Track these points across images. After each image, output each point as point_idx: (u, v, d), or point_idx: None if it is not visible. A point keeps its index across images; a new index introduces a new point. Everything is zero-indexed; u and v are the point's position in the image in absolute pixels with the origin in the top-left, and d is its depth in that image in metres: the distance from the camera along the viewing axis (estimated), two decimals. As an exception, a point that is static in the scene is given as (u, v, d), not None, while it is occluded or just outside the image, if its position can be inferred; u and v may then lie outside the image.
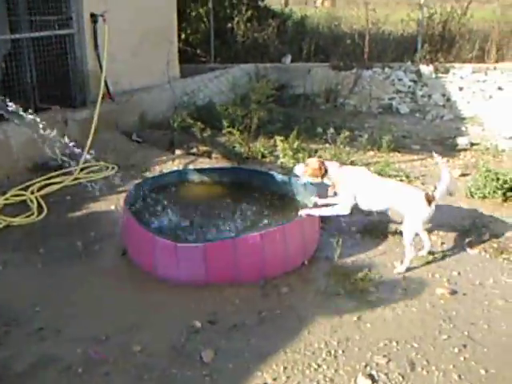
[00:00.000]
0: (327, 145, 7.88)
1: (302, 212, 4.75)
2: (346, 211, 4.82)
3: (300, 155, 7.28)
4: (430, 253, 4.92)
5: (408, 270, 4.67)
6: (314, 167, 4.85)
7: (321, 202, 4.92)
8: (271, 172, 5.87)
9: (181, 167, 7.10)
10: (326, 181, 4.89)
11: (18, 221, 5.66)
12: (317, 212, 4.82)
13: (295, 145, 7.33)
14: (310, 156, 7.25)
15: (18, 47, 7.93)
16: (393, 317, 4.08)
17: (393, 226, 5.40)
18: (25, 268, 4.85)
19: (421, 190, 5.03)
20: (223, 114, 7.61)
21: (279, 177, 5.64)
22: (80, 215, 5.88)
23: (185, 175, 5.95)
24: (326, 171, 4.83)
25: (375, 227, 5.39)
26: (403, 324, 4.00)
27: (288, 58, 11.76)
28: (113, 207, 5.97)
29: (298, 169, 5.01)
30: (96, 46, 8.02)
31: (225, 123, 7.73)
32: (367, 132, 8.58)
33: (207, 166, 6.79)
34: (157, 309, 4.23)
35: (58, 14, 7.77)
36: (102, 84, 7.67)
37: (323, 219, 5.23)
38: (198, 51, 12.16)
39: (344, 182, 4.81)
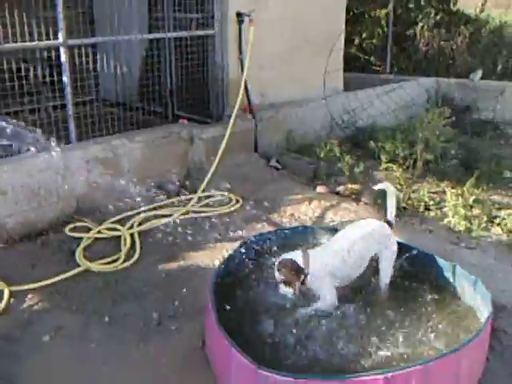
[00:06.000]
0: (517, 199, 5.93)
1: None
2: None
3: (475, 212, 5.45)
4: None
5: None
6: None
7: None
8: (430, 253, 4.09)
9: (317, 212, 5.61)
10: None
11: (96, 267, 4.57)
12: None
13: (471, 199, 5.48)
14: (489, 216, 5.42)
15: (158, 48, 7.03)
16: None
17: None
18: (76, 344, 3.69)
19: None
20: (379, 148, 5.98)
21: (440, 261, 3.95)
22: (173, 268, 4.63)
23: (308, 234, 4.43)
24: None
25: None
26: None
27: (478, 74, 9.62)
28: (217, 262, 4.64)
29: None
30: (240, 51, 6.77)
31: (383, 158, 6.11)
32: None
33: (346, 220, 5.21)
34: None
35: (201, 12, 6.68)
36: (240, 96, 6.39)
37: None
38: (372, 59, 10.55)
39: None
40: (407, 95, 8.79)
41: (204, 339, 3.63)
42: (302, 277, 3.49)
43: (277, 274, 3.51)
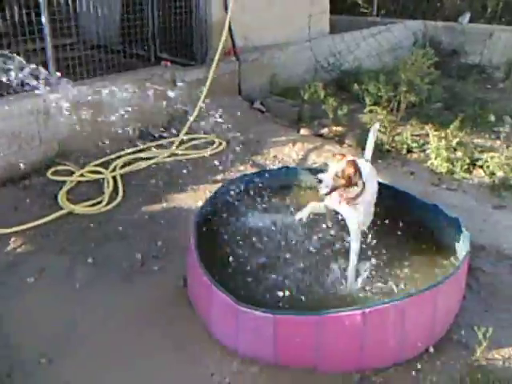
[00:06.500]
0: (498, 142, 5.94)
1: None
2: None
3: (458, 154, 5.47)
4: None
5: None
6: (349, 172, 3.24)
7: None
8: (409, 193, 4.08)
9: (300, 154, 5.61)
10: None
11: (79, 210, 4.57)
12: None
13: (455, 141, 5.49)
14: (472, 159, 5.43)
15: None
16: None
17: None
18: (59, 285, 3.73)
19: None
20: (363, 90, 5.95)
21: (420, 201, 3.97)
22: (156, 210, 4.65)
23: (291, 175, 4.46)
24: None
25: None
26: None
27: (466, 18, 9.49)
28: (200, 203, 4.65)
29: (326, 180, 3.25)
30: (224, -8, 6.63)
31: (367, 100, 6.09)
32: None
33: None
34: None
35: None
36: (223, 38, 6.27)
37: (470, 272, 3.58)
38: (359, 1, 10.35)
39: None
40: (394, 38, 8.71)
41: (185, 278, 3.67)
42: (361, 185, 3.33)
43: (349, 170, 3.24)
